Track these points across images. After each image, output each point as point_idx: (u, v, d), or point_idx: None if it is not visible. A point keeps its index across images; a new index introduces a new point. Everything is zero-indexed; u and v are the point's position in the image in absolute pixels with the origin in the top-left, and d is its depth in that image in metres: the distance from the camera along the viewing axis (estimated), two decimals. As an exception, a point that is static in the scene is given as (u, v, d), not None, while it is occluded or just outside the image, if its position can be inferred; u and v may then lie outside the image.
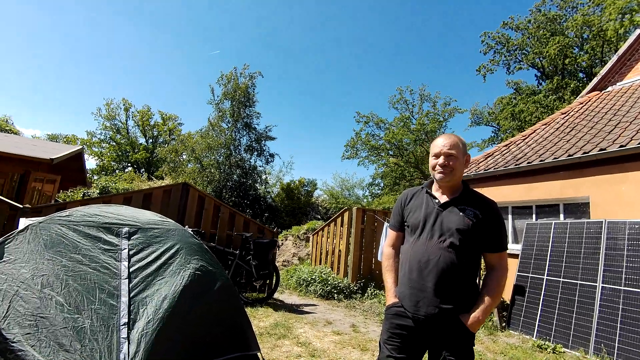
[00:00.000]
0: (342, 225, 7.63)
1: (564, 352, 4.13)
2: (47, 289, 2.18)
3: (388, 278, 1.85)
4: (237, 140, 18.37)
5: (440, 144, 1.74)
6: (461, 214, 1.67)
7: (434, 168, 1.76)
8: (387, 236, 2.00)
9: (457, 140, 1.75)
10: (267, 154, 19.02)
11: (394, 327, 1.70)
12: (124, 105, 33.87)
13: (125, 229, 2.92)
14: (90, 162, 33.32)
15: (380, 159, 25.52)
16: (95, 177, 28.28)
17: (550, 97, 19.37)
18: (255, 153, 18.78)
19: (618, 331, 3.94)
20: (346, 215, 7.48)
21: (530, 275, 5.19)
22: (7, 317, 1.98)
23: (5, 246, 2.38)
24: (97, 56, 54.70)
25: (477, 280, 1.76)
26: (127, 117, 34.38)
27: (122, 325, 2.19)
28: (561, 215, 5.89)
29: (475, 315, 1.59)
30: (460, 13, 43.39)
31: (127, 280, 2.52)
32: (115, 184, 12.56)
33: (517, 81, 24.27)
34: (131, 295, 2.42)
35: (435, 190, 1.82)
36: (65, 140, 35.81)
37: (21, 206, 5.14)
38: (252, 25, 56.47)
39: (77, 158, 14.08)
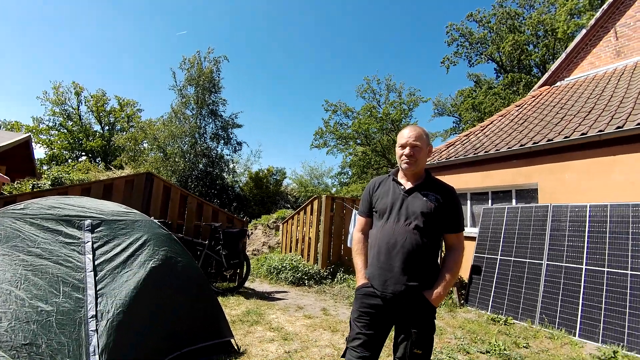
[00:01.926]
0: (311, 213, 7.74)
1: (514, 323, 4.57)
2: (5, 284, 2.07)
3: (358, 261, 1.97)
4: (202, 128, 17.73)
5: (406, 135, 1.87)
6: (424, 198, 1.81)
7: (400, 157, 1.88)
8: (357, 222, 2.10)
9: (421, 132, 1.88)
10: (235, 142, 18.58)
11: (364, 306, 1.82)
12: (74, 88, 31.23)
13: (88, 222, 2.80)
14: (39, 152, 30.70)
15: (348, 148, 25.91)
16: (45, 167, 26.17)
17: (506, 90, 20.59)
18: (222, 141, 18.27)
19: (560, 302, 4.42)
20: (315, 203, 7.59)
21: (485, 255, 5.62)
22: (-39, 315, 1.87)
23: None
24: (40, 33, 49.70)
25: (438, 260, 1.91)
26: (79, 102, 31.83)
27: (90, 318, 2.14)
28: (513, 201, 6.39)
29: (437, 291, 1.75)
30: (427, 2, 44.34)
31: (92, 273, 2.45)
32: (69, 174, 11.73)
33: (478, 74, 25.49)
34: (98, 288, 2.36)
35: (401, 178, 1.94)
36: (8, 127, 32.61)
37: (-38, 199, 4.70)
38: (220, 8, 54.01)
39: (23, 147, 12.94)
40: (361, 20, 50.98)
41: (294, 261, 7.25)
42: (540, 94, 8.98)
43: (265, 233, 11.25)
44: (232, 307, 4.61)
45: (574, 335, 4.05)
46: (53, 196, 3.28)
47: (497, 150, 6.55)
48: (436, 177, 1.97)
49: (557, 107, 7.47)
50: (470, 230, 6.70)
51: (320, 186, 23.88)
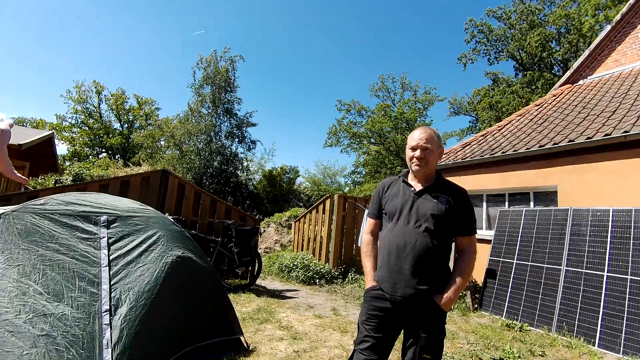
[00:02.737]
0: (323, 212, 7.73)
1: (529, 330, 4.44)
2: (24, 278, 2.15)
3: (367, 263, 1.94)
4: (217, 127, 17.99)
5: (417, 137, 1.83)
6: (435, 200, 1.77)
7: (411, 160, 1.85)
8: (366, 224, 2.08)
9: (432, 134, 1.84)
10: (249, 140, 18.76)
11: (372, 308, 1.80)
12: (95, 88, 32.29)
13: (104, 218, 2.87)
14: (61, 148, 31.84)
15: (362, 147, 25.76)
16: (68, 163, 27.10)
17: (525, 88, 20.02)
18: (237, 139, 18.48)
19: (578, 310, 4.26)
20: (328, 202, 7.58)
21: (501, 259, 5.48)
22: (-17, 306, 1.94)
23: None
24: (64, 36, 51.46)
25: (449, 263, 1.87)
26: (100, 101, 32.85)
27: (104, 312, 2.19)
28: (531, 203, 6.20)
29: (447, 295, 1.71)
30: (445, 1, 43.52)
31: (107, 268, 2.50)
32: (90, 170, 12.10)
33: (495, 72, 24.87)
34: (112, 282, 2.42)
35: (411, 179, 1.91)
36: (33, 124, 33.96)
37: (-11, 193, 4.91)
38: (237, 8, 54.56)
39: (47, 143, 13.39)
40: (377, 17, 50.51)
41: (306, 260, 7.26)
42: (562, 93, 8.68)
43: (278, 231, 11.31)
44: (243, 304, 4.65)
45: (593, 345, 3.89)
46: (72, 192, 3.37)
47: (515, 150, 6.36)
48: (450, 178, 1.93)
49: (579, 106, 7.20)
50: (485, 233, 6.55)
51: (333, 185, 23.87)
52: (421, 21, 46.95)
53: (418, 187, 1.85)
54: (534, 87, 19.77)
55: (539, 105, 8.66)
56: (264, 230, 11.38)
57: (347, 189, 25.14)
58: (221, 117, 18.20)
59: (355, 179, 27.49)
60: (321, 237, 7.65)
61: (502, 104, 20.29)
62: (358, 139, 25.11)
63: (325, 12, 52.36)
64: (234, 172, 17.93)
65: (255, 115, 20.85)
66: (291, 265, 7.21)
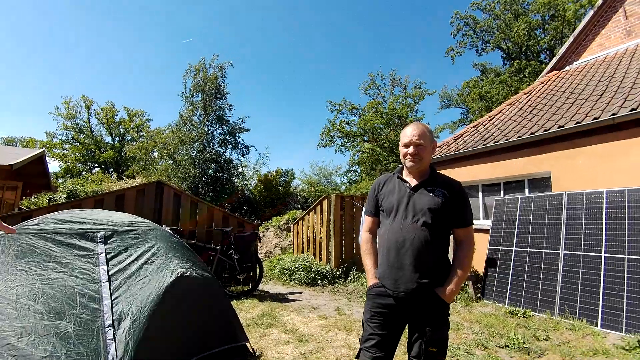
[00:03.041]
0: (321, 213, 7.74)
1: (532, 315, 4.48)
2: (24, 299, 2.12)
3: (368, 261, 1.95)
4: (210, 134, 17.92)
5: (409, 133, 1.84)
6: (431, 194, 1.79)
7: (404, 156, 1.87)
8: (364, 222, 2.09)
9: (424, 130, 1.86)
10: (242, 146, 18.72)
11: (376, 306, 1.81)
12: (84, 102, 31.97)
13: (101, 234, 2.86)
14: (53, 165, 31.46)
15: (356, 145, 25.81)
16: (61, 181, 26.81)
17: (513, 77, 20.19)
18: (230, 146, 18.43)
19: (579, 292, 4.31)
20: (325, 203, 7.59)
21: (500, 247, 5.52)
22: (-17, 331, 1.92)
23: (-28, 259, 2.27)
24: (47, 51, 50.93)
25: (449, 256, 1.89)
26: (90, 115, 32.55)
27: (107, 327, 2.18)
28: (526, 190, 6.26)
29: (449, 287, 1.72)
30: (426, -4, 43.79)
31: (107, 283, 2.49)
32: (83, 186, 12.00)
33: (483, 63, 25.07)
34: (113, 297, 2.40)
35: (406, 175, 1.93)
36: (23, 143, 33.56)
37: (-18, 216, 4.85)
38: (222, 11, 54.42)
39: (38, 162, 13.27)
40: (362, 15, 50.69)
41: (307, 262, 7.26)
42: (549, 80, 8.78)
43: (277, 235, 11.29)
44: (247, 311, 4.64)
45: (596, 326, 3.94)
46: (66, 210, 3.35)
47: (507, 139, 6.42)
48: (444, 171, 1.95)
49: (567, 92, 7.28)
50: (483, 223, 6.60)
51: (330, 185, 23.87)
52: (408, 16, 47.22)
53: (413, 182, 1.87)
54: (522, 75, 19.94)
55: (527, 93, 8.75)
56: (263, 235, 11.36)
57: (344, 188, 25.15)
58: (213, 125, 18.15)
59: (351, 177, 27.51)
60: (320, 237, 7.65)
61: (491, 94, 20.46)
62: (351, 138, 25.17)
63: (321, 11, 52.46)
64: (229, 179, 17.88)
65: (250, 120, 20.84)
66: (292, 268, 7.21)
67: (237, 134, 18.57)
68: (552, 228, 4.96)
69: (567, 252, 4.66)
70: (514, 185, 6.53)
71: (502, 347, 3.31)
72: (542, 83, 8.82)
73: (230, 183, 17.76)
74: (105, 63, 53.86)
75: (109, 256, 2.72)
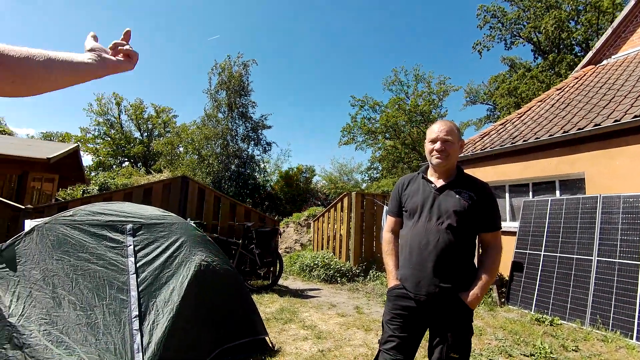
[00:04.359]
0: (342, 210, 7.72)
1: (561, 324, 4.28)
2: (59, 289, 2.25)
3: (389, 262, 1.92)
4: (233, 130, 18.27)
5: (436, 129, 1.79)
6: (457, 196, 1.73)
7: (430, 153, 1.80)
8: (386, 222, 2.05)
9: (452, 126, 1.80)
10: (264, 142, 18.97)
11: (396, 308, 1.78)
12: (115, 99, 33.39)
13: (130, 226, 2.97)
14: (87, 159, 33.16)
15: (377, 143, 25.49)
16: (93, 174, 28.20)
17: (546, 72, 19.24)
18: (252, 142, 18.72)
19: (613, 302, 4.07)
20: (345, 200, 7.56)
21: (527, 251, 5.30)
22: (23, 316, 2.05)
23: (15, 248, 2.43)
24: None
25: (474, 260, 1.82)
26: (120, 112, 33.96)
27: (134, 317, 2.27)
28: (557, 192, 5.97)
29: (473, 292, 1.66)
30: (453, -11, 42.40)
31: (134, 275, 2.59)
32: (114, 179, 12.56)
33: (512, 57, 24.05)
34: (140, 289, 2.50)
35: (431, 175, 1.87)
36: (60, 138, 35.48)
37: (23, 207, 5.17)
38: (246, 8, 55.11)
39: (73, 156, 14.00)
40: (386, 10, 49.79)
41: (326, 258, 7.27)
42: (584, 75, 8.30)
43: (297, 231, 11.38)
44: (267, 305, 4.71)
45: (631, 338, 3.71)
46: (98, 202, 3.51)
47: (537, 138, 6.14)
48: (469, 170, 1.89)
49: (604, 88, 6.86)
50: (510, 225, 6.36)
51: (350, 182, 23.72)
52: (432, 11, 45.96)
53: (439, 182, 1.81)
54: (555, 70, 18.96)
55: (560, 89, 8.31)
56: (284, 231, 11.48)
57: (365, 185, 24.94)
58: (237, 121, 18.48)
59: (372, 175, 27.24)
60: (340, 235, 7.64)
61: (521, 90, 19.58)
62: (373, 135, 24.87)
63: (335, 5, 52.07)
64: (251, 175, 18.18)
65: (270, 118, 21.03)
66: (312, 264, 7.24)
67: (259, 131, 18.83)
68: (585, 233, 4.70)
69: (601, 258, 4.41)
70: (544, 186, 6.24)
71: (528, 356, 3.19)
72: (577, 78, 8.35)
73: (252, 178, 18.05)
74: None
75: (136, 248, 2.83)
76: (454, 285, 1.67)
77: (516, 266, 5.35)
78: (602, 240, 4.48)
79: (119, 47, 0.80)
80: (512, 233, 5.76)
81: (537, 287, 4.92)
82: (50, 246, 2.55)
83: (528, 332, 3.84)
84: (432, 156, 1.80)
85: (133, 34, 0.85)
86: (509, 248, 5.57)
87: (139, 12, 52.26)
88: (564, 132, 5.72)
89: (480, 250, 1.83)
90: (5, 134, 23.71)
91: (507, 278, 5.46)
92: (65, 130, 39.52)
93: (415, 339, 1.76)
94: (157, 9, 52.53)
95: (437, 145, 1.76)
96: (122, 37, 0.83)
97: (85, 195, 9.20)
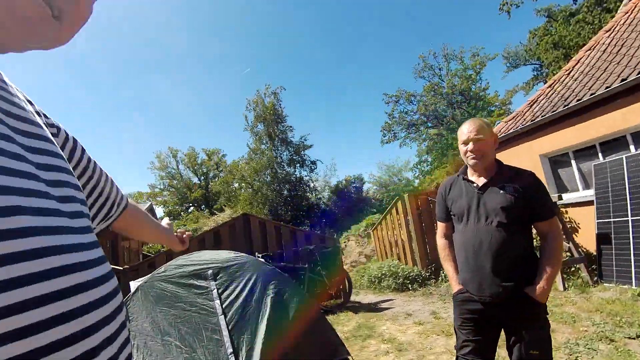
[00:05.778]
0: (397, 214, 7.66)
1: (672, 294, 3.79)
2: (166, 337, 2.65)
3: (448, 267, 1.96)
4: (278, 157, 19.14)
5: (466, 130, 1.81)
6: (501, 192, 1.72)
7: (465, 154, 1.82)
8: (438, 228, 2.10)
9: (481, 124, 1.81)
10: (309, 162, 19.54)
11: (464, 312, 1.81)
12: (171, 152, 37.06)
13: (210, 272, 3.37)
14: (159, 211, 36.92)
15: (421, 134, 24.72)
16: (166, 224, 31.06)
17: (593, 11, 17.20)
18: (298, 165, 19.40)
19: None
20: (399, 204, 7.50)
21: (612, 220, 4.80)
22: (144, 365, 2.46)
23: (127, 306, 2.92)
24: (132, 111, 60.38)
25: (533, 251, 1.80)
26: (177, 163, 37.52)
27: (230, 354, 2.57)
28: (631, 147, 5.34)
29: (540, 285, 1.64)
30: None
31: (222, 316, 2.93)
32: (185, 226, 13.88)
33: (548, 7, 21.91)
34: (229, 327, 2.82)
35: (471, 175, 1.88)
36: (133, 197, 40.02)
37: (121, 268, 6.02)
38: (264, 26, 58.20)
39: (149, 212, 15.81)
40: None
41: (393, 267, 7.23)
42: (635, 7, 7.37)
43: (359, 243, 11.44)
44: (343, 324, 4.84)
45: None
46: (180, 256, 4.02)
47: (592, 94, 5.60)
48: (523, 145, 1.90)
49: (664, 19, 6.06)
50: (583, 194, 5.81)
51: (402, 182, 23.21)
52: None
53: (480, 181, 1.82)
54: (603, 6, 16.82)
55: (609, 30, 7.47)
56: (345, 246, 11.61)
57: (417, 182, 24.22)
58: (279, 148, 19.34)
59: (423, 168, 26.36)
60: (402, 240, 7.56)
61: (569, 39, 17.67)
62: (414, 127, 24.18)
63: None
64: (303, 196, 18.75)
65: (309, 137, 21.67)
66: (379, 274, 7.24)
67: (302, 152, 19.46)
68: (677, 187, 4.16)
69: None
70: (613, 144, 5.63)
71: (634, 339, 2.90)
72: (627, 13, 7.44)
73: (305, 199, 18.60)
74: (179, 110, 61.81)
75: (219, 291, 3.19)
76: (517, 282, 1.67)
77: (602, 238, 4.86)
78: (701, 191, 3.92)
79: (181, 234, 1.23)
80: (589, 202, 5.26)
81: (632, 257, 4.42)
82: (152, 301, 3.01)
83: (631, 311, 3.47)
84: (467, 158, 1.82)
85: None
86: (589, 220, 5.11)
87: (166, 64, 57.77)
88: (622, 80, 5.16)
89: (540, 240, 1.81)
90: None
91: (594, 253, 4.97)
92: (136, 189, 44.53)
93: (490, 340, 1.78)
94: (183, 62, 57.64)
95: (470, 146, 1.78)
96: (181, 233, 1.24)
97: (165, 248, 10.30)
